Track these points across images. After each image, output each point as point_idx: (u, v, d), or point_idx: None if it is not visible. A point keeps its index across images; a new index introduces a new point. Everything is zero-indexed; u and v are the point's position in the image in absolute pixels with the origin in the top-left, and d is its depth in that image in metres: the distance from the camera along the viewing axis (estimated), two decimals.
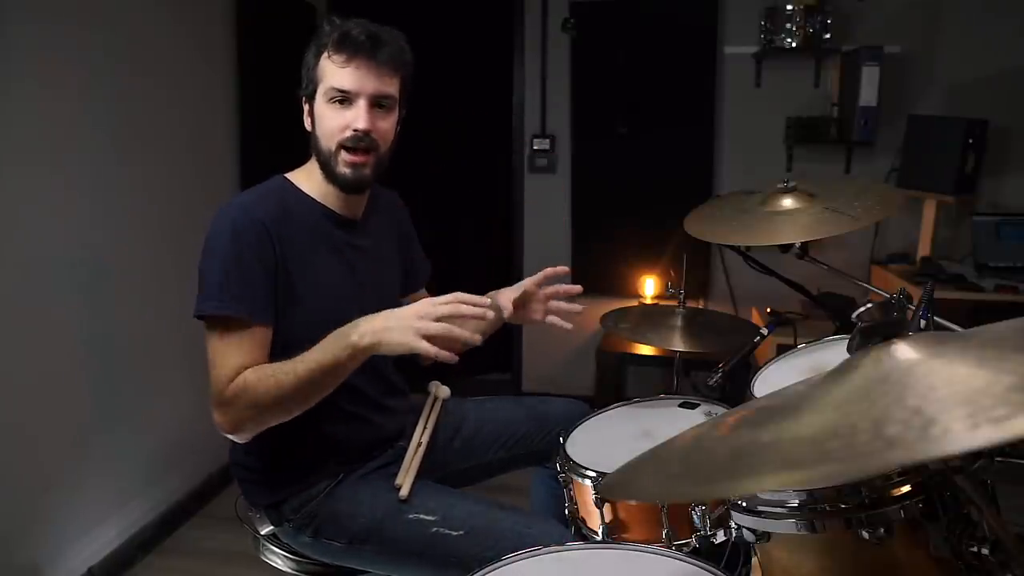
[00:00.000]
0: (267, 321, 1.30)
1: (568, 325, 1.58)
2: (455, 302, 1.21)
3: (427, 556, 1.32)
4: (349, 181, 1.37)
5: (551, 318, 1.58)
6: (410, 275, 1.66)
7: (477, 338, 1.25)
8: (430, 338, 1.18)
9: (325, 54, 1.33)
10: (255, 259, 1.29)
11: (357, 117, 1.32)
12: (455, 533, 1.32)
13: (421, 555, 1.33)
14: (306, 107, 1.40)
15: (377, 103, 1.34)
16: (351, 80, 1.31)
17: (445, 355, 1.18)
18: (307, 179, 1.42)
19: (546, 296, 1.60)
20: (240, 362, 1.25)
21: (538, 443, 1.64)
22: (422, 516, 1.34)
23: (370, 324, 1.22)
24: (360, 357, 1.23)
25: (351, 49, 1.31)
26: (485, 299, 1.26)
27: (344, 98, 1.33)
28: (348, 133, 1.33)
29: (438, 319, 1.19)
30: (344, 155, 1.35)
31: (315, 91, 1.36)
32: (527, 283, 1.56)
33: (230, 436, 1.29)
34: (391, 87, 1.36)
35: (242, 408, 1.23)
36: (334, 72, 1.32)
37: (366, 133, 1.33)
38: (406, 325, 1.19)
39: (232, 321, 1.27)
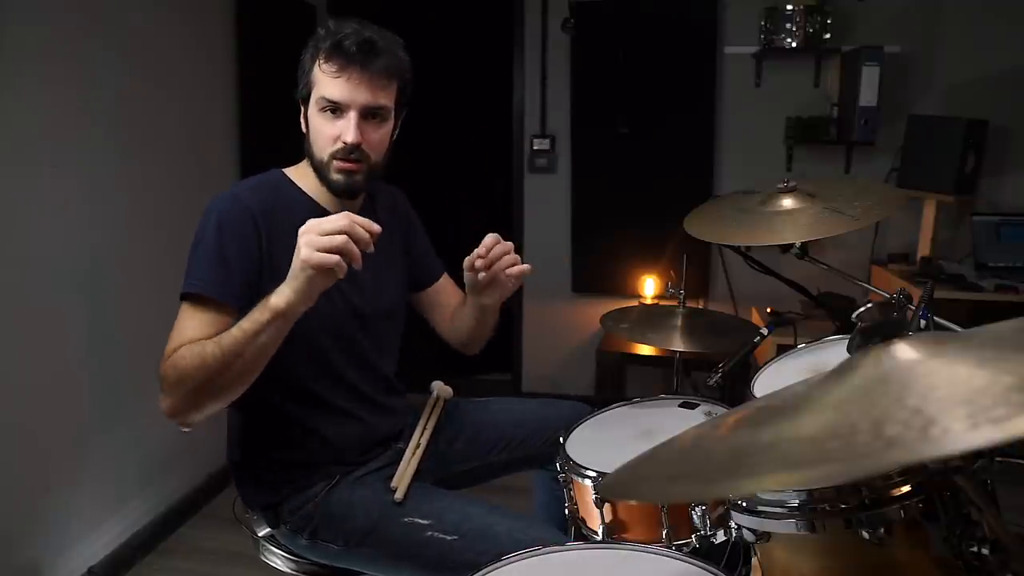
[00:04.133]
0: (233, 305, 1.25)
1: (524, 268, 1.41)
2: (347, 220, 1.11)
3: (422, 559, 1.32)
4: (341, 187, 1.36)
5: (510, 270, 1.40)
6: (421, 270, 1.65)
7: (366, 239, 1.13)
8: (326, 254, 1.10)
9: (320, 60, 1.32)
10: (235, 245, 1.28)
11: (347, 129, 1.31)
12: (449, 537, 1.31)
13: (415, 558, 1.33)
14: (302, 108, 1.40)
15: (369, 114, 1.33)
16: (341, 91, 1.30)
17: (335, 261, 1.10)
18: (303, 176, 1.43)
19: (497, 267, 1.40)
20: (185, 339, 1.21)
21: (540, 446, 1.63)
22: (416, 519, 1.34)
23: (282, 285, 1.15)
24: (283, 321, 1.16)
25: (343, 59, 1.29)
26: (373, 224, 1.14)
27: (335, 108, 1.31)
28: (338, 145, 1.32)
29: (327, 234, 1.10)
30: (336, 163, 1.34)
31: (308, 96, 1.35)
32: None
33: (174, 420, 1.21)
34: (384, 98, 1.34)
35: (173, 385, 1.17)
36: (325, 82, 1.31)
37: (356, 146, 1.32)
38: (300, 269, 1.11)
39: (198, 300, 1.25)
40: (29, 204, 2.05)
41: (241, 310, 1.22)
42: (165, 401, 1.20)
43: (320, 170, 1.37)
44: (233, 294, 1.26)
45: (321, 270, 1.11)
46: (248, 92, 2.98)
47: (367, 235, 1.13)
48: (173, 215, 2.57)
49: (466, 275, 1.40)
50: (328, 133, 1.33)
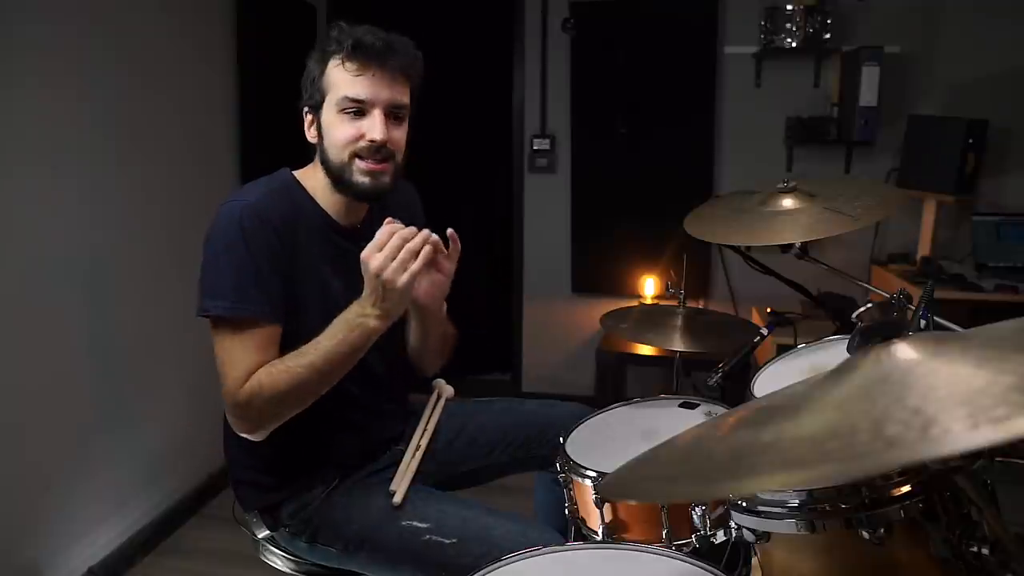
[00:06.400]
0: (279, 320, 1.28)
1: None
2: (400, 241, 1.21)
3: (420, 563, 1.32)
4: (368, 190, 1.33)
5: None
6: None
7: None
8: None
9: (334, 62, 1.29)
10: (267, 261, 1.27)
11: (372, 127, 1.28)
12: (447, 541, 1.31)
13: (414, 562, 1.32)
14: (308, 118, 1.35)
15: (392, 113, 1.31)
16: (366, 90, 1.28)
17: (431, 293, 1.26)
18: (312, 182, 1.39)
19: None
20: (252, 364, 1.24)
21: (540, 448, 1.62)
22: (415, 523, 1.33)
23: (369, 307, 1.23)
24: (375, 337, 1.26)
25: (365, 57, 1.27)
26: (415, 229, 1.24)
27: (358, 109, 1.29)
28: (363, 143, 1.29)
29: (402, 266, 1.21)
30: (359, 163, 1.30)
31: (322, 101, 1.31)
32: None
33: (248, 436, 1.28)
34: (404, 96, 1.33)
35: (260, 407, 1.23)
36: (347, 81, 1.28)
37: (383, 144, 1.29)
38: (385, 283, 1.20)
39: (244, 322, 1.25)
40: (29, 204, 2.05)
41: (281, 321, 1.29)
42: (241, 420, 1.26)
43: (340, 175, 1.32)
44: (275, 309, 1.28)
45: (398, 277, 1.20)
46: (248, 93, 2.98)
47: (417, 235, 1.22)
48: (173, 215, 2.57)
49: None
50: (348, 134, 1.29)
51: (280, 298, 1.29)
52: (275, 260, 1.29)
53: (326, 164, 1.34)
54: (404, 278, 1.20)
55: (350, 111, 1.29)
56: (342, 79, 1.29)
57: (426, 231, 1.23)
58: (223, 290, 1.25)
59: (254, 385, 1.22)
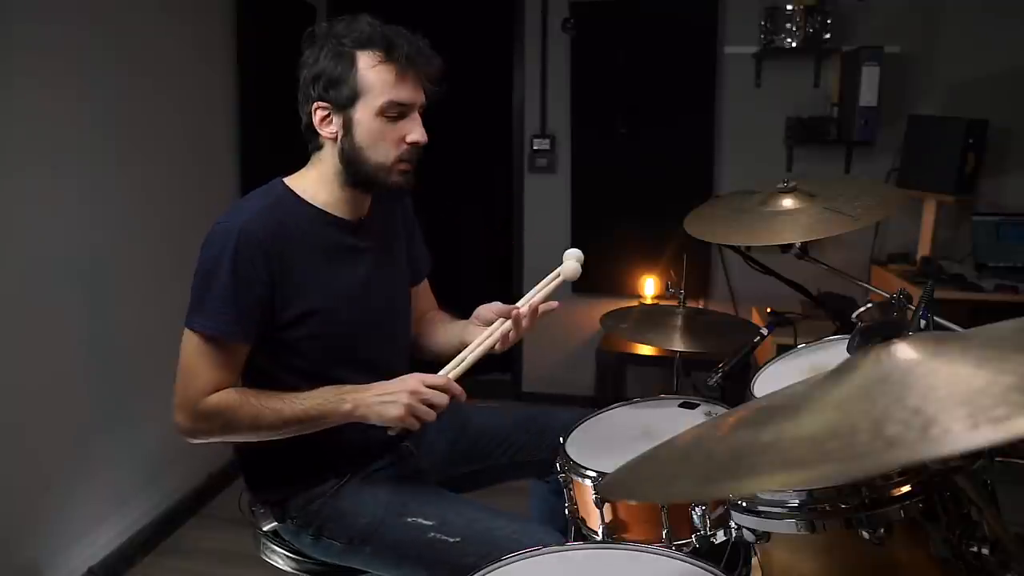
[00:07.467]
0: (249, 341, 1.32)
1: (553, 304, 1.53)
2: (446, 387, 1.29)
3: (424, 560, 1.32)
4: (401, 186, 1.37)
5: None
6: (411, 267, 1.62)
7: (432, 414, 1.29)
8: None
9: (369, 61, 1.28)
10: (251, 285, 1.29)
11: (414, 130, 1.33)
12: (451, 539, 1.31)
13: (417, 559, 1.33)
14: (322, 113, 1.33)
15: (419, 113, 1.36)
16: (409, 94, 1.31)
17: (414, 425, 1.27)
18: (307, 184, 1.39)
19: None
20: (219, 377, 1.28)
21: (539, 451, 1.61)
22: (420, 520, 1.34)
23: (363, 396, 1.28)
24: (346, 421, 1.30)
25: (410, 62, 1.30)
26: (461, 391, 1.31)
27: (401, 112, 1.32)
28: (404, 147, 1.33)
29: (428, 402, 1.26)
30: (401, 165, 1.35)
31: (353, 100, 1.30)
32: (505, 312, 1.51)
33: (185, 438, 1.32)
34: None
35: (215, 425, 1.29)
36: (391, 85, 1.29)
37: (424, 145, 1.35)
38: (402, 402, 1.25)
39: (215, 339, 1.29)
40: (29, 204, 2.05)
41: (252, 341, 1.32)
42: (188, 424, 1.30)
43: (374, 174, 1.34)
44: (248, 333, 1.31)
45: (411, 415, 1.26)
46: (248, 93, 2.98)
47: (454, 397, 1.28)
48: (173, 215, 2.57)
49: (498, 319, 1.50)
50: (392, 137, 1.32)
51: (256, 319, 1.31)
52: (263, 282, 1.30)
53: (354, 162, 1.34)
54: (414, 424, 1.27)
55: (392, 114, 1.31)
56: (385, 81, 1.29)
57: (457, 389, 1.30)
58: (205, 305, 1.28)
59: (220, 402, 1.27)
